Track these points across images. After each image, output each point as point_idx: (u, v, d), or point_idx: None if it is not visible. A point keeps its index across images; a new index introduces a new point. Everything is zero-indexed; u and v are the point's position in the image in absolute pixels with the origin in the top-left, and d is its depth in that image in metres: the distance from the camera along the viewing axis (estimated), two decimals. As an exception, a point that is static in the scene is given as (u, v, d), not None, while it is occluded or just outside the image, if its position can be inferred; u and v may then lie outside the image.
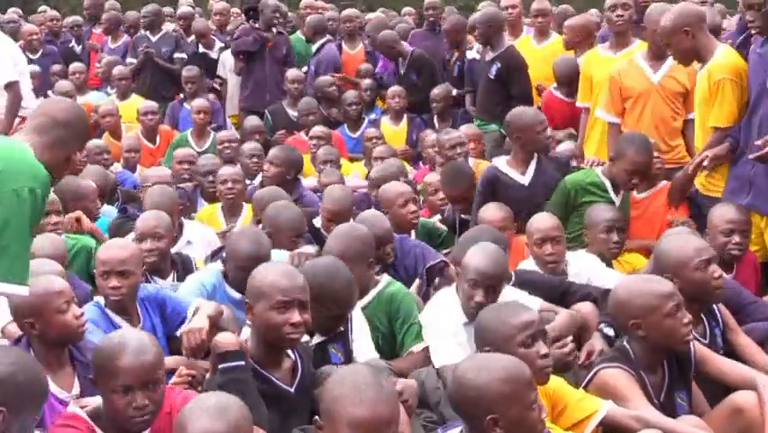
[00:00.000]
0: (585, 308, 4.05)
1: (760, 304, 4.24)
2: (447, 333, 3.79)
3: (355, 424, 2.42)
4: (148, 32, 9.59)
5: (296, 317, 3.16)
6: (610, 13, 6.19)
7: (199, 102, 8.01)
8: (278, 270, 3.34)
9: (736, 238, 4.45)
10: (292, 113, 8.28)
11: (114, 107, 8.08)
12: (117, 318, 3.77)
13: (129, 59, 9.42)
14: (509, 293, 3.94)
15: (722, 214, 4.51)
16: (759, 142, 4.49)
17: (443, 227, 5.58)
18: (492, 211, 5.00)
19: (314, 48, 9.08)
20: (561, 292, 4.19)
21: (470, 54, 8.24)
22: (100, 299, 3.86)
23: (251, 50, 8.65)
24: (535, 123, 5.37)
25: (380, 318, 4.02)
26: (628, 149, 4.98)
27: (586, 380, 3.49)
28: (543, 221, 4.54)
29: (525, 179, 5.37)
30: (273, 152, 6.24)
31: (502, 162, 5.50)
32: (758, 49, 4.70)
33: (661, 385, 3.48)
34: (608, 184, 5.11)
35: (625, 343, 3.52)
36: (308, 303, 3.24)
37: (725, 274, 4.29)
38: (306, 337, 3.50)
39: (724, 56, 4.88)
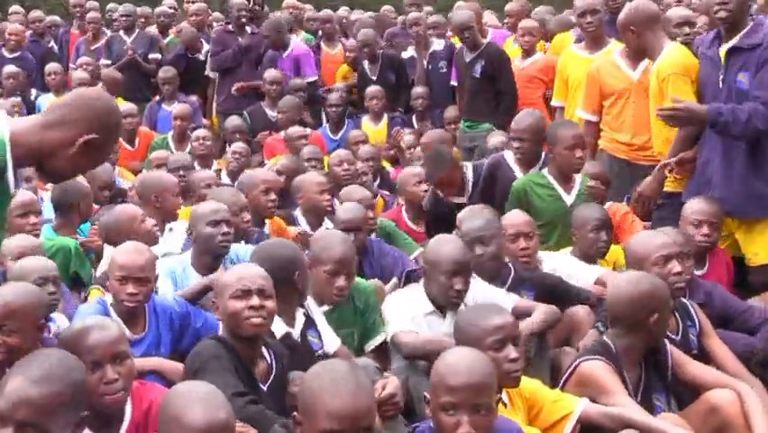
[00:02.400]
0: (580, 311, 4.12)
1: (752, 310, 4.26)
2: (405, 315, 3.92)
3: (334, 415, 2.45)
4: (121, 32, 9.55)
5: (254, 300, 3.23)
6: (581, 20, 6.24)
7: (179, 108, 7.97)
8: (239, 266, 3.51)
9: (705, 230, 4.45)
10: (271, 113, 8.24)
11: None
12: (119, 321, 3.65)
13: (103, 61, 9.33)
14: (482, 289, 4.03)
15: (692, 206, 4.53)
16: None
17: (404, 234, 5.56)
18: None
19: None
20: (560, 293, 4.26)
21: (407, 54, 8.40)
22: (109, 298, 3.80)
23: (231, 65, 8.68)
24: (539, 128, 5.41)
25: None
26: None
27: (567, 372, 3.52)
28: (515, 217, 4.60)
29: None
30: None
31: (511, 156, 5.51)
32: (706, 50, 4.71)
33: (637, 384, 3.51)
34: (553, 182, 5.13)
35: (605, 338, 3.55)
36: (270, 291, 3.30)
37: (707, 283, 4.37)
38: (287, 329, 3.63)
39: (670, 53, 4.92)
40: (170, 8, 10.25)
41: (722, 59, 4.59)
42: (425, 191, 5.62)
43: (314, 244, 4.14)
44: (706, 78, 4.70)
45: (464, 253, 3.94)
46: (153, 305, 3.83)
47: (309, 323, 3.82)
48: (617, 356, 3.45)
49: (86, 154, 2.61)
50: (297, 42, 8.93)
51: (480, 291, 4.04)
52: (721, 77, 4.58)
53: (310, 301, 3.94)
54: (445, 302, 3.92)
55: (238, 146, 7.06)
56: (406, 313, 3.92)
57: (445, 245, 3.97)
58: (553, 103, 6.57)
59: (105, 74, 8.70)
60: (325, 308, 4.06)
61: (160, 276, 4.11)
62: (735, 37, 4.54)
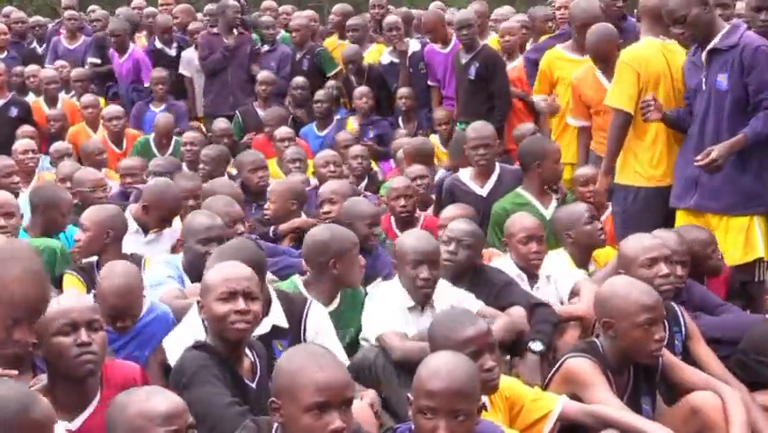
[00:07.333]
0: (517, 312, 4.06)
1: (728, 306, 4.28)
2: (387, 313, 3.84)
3: (322, 387, 2.48)
4: None
5: (240, 305, 3.18)
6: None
7: (159, 119, 7.91)
8: (225, 265, 3.36)
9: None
10: (263, 113, 8.25)
11: (96, 100, 8.21)
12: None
13: (91, 59, 9.29)
14: (449, 292, 3.99)
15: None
16: (699, 158, 4.53)
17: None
18: (453, 210, 5.14)
19: (265, 47, 9.08)
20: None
21: (386, 59, 8.39)
22: None
23: (223, 66, 8.68)
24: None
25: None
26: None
27: (553, 370, 3.54)
28: (527, 220, 4.53)
29: (483, 191, 5.56)
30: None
31: (466, 174, 5.64)
32: (692, 57, 4.82)
33: (625, 388, 3.49)
34: (531, 199, 5.26)
35: (595, 339, 3.54)
36: (256, 293, 3.26)
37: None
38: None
39: (635, 44, 5.08)
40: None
41: (704, 62, 4.70)
42: (403, 206, 5.54)
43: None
44: (691, 82, 4.81)
45: (429, 243, 3.93)
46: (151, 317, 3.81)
47: (285, 334, 3.71)
48: (605, 359, 3.43)
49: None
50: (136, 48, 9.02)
51: (448, 295, 3.98)
52: (704, 79, 4.69)
53: (317, 320, 3.83)
54: (414, 293, 3.88)
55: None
56: (391, 309, 3.84)
57: (410, 237, 4.02)
58: (534, 98, 6.60)
59: (75, 74, 8.67)
60: (331, 307, 4.04)
61: (168, 277, 4.16)
62: (713, 40, 4.64)
